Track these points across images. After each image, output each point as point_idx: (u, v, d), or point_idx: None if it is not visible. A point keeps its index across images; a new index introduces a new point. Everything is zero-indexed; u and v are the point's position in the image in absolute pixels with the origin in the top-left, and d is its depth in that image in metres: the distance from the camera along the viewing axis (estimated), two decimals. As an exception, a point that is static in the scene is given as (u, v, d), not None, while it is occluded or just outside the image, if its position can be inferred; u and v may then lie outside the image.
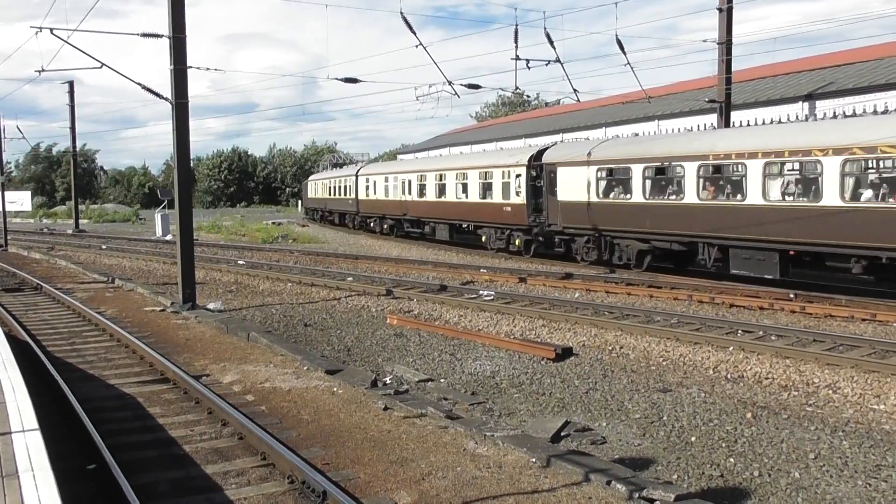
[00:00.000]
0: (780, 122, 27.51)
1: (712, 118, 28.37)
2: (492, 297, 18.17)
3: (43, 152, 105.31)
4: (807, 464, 8.48)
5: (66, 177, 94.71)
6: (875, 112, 24.49)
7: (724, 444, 9.13)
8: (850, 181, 16.37)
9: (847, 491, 7.80)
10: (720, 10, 25.08)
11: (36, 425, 6.21)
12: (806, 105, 27.72)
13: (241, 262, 26.86)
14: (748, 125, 28.36)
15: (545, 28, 22.76)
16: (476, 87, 23.86)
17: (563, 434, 9.42)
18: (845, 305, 16.06)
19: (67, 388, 9.79)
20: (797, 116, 27.71)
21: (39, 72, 20.09)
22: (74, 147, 53.07)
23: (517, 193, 27.05)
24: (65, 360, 12.22)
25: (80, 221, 54.68)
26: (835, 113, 25.84)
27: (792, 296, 17.25)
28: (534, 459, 7.53)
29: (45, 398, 9.51)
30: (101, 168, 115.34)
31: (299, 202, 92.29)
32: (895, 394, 10.46)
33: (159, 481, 7.14)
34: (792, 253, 17.73)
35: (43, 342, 13.56)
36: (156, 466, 7.54)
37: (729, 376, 11.91)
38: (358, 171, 43.92)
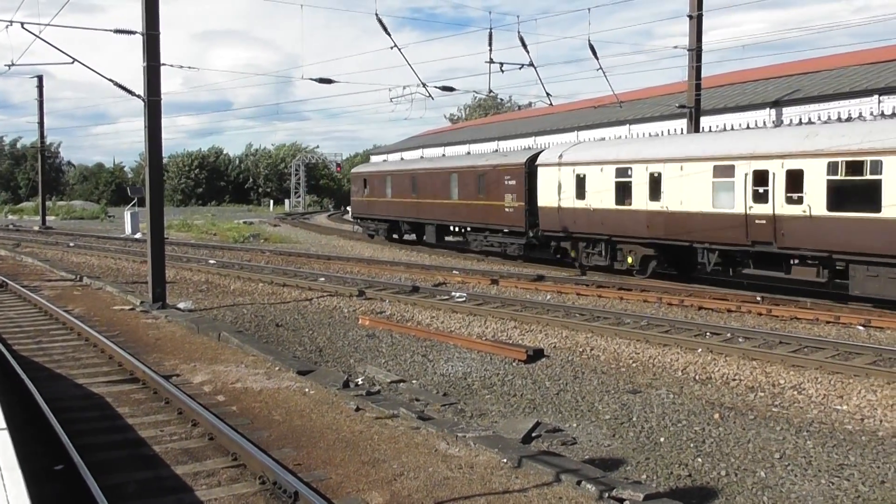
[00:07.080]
0: (744, 128, 27.96)
1: (682, 123, 28.72)
2: (464, 299, 18.23)
3: (7, 147, 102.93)
4: (772, 463, 8.65)
5: (28, 172, 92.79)
6: (839, 119, 24.98)
7: (692, 445, 9.28)
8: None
9: (811, 490, 7.97)
10: (690, 17, 25.40)
11: (3, 424, 6.10)
12: (773, 112, 28.17)
13: (212, 262, 26.62)
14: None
15: (519, 32, 22.91)
16: (450, 89, 23.95)
17: (534, 435, 9.50)
18: (810, 308, 16.38)
19: (34, 387, 9.64)
20: (764, 123, 28.15)
21: (9, 66, 19.80)
22: (42, 142, 52.19)
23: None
24: (31, 358, 12.02)
25: (47, 218, 53.72)
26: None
27: (759, 298, 17.57)
28: (505, 460, 7.59)
29: (11, 397, 9.35)
30: (69, 162, 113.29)
31: (271, 202, 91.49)
32: (857, 394, 10.72)
33: (128, 482, 7.07)
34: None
35: (8, 340, 13.32)
36: (125, 467, 7.46)
37: (697, 378, 12.09)
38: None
